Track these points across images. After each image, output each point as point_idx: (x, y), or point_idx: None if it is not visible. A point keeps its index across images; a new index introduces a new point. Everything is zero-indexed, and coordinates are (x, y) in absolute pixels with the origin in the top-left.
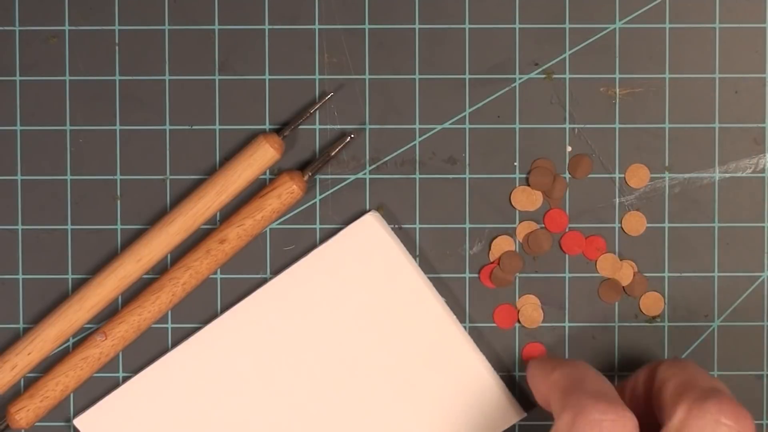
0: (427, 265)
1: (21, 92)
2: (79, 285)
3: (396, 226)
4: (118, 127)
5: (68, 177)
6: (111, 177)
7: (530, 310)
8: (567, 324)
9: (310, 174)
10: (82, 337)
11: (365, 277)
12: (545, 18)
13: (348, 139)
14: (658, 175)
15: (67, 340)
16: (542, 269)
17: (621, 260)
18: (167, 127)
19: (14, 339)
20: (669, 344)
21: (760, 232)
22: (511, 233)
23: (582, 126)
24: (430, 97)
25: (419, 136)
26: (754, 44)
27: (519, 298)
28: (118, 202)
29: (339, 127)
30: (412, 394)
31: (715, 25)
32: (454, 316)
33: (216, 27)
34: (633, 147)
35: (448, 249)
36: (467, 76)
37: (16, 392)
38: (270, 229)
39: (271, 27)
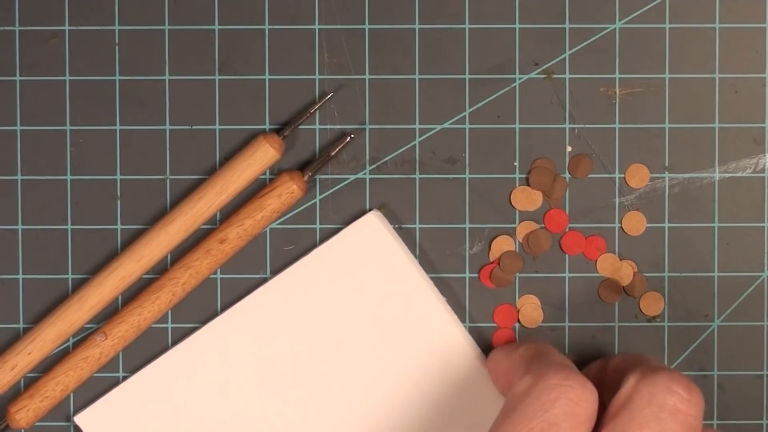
0: (427, 265)
1: (21, 92)
2: (79, 285)
3: (396, 225)
4: (118, 127)
5: (68, 177)
6: (111, 177)
7: (530, 310)
8: (567, 324)
9: (310, 174)
10: (82, 337)
11: (367, 276)
12: (545, 18)
13: (348, 139)
14: (658, 175)
15: (67, 340)
16: (542, 269)
17: (621, 260)
18: (167, 127)
19: (14, 339)
20: (669, 344)
21: (760, 232)
22: (511, 233)
23: (582, 126)
24: (430, 97)
25: (419, 136)
26: (754, 44)
27: (519, 297)
28: (118, 202)
29: (339, 127)
30: (412, 393)
31: (715, 25)
32: (456, 316)
33: (216, 27)
34: (633, 147)
35: (448, 249)
36: (467, 76)
37: (16, 392)
38: (270, 229)
39: (271, 27)
